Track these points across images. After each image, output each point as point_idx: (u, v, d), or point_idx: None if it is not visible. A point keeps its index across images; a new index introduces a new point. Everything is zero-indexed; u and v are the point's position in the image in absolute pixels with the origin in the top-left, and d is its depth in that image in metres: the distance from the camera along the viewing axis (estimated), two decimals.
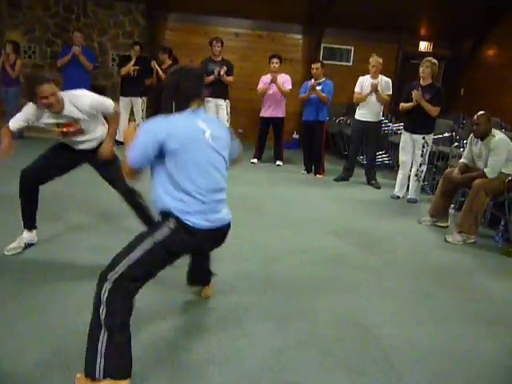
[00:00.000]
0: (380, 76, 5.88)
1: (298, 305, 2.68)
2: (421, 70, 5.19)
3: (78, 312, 2.36)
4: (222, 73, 6.68)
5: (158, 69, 7.06)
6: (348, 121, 7.65)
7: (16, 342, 2.11)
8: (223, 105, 6.96)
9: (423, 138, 5.25)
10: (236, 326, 2.40)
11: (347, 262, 3.44)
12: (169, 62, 7.13)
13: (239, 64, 7.10)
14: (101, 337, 1.77)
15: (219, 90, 6.84)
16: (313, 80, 6.29)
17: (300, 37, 8.69)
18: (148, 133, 1.93)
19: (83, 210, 4.05)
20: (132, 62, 7.11)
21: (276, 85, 6.61)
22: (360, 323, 2.53)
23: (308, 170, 6.59)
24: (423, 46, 8.82)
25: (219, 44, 6.81)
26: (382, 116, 6.16)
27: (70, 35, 7.56)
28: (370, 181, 6.13)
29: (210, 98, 6.90)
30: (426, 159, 5.35)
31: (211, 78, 6.72)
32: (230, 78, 6.83)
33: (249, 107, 8.02)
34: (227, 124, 7.00)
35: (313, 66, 6.34)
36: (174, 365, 2.04)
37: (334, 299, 2.80)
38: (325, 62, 6.86)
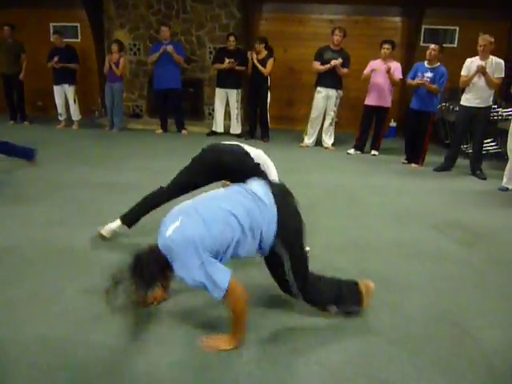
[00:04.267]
0: (491, 57, 5.37)
1: (389, 299, 2.55)
2: None
3: None
4: (337, 64, 6.55)
5: (255, 60, 7.11)
6: (451, 107, 7.14)
7: None
8: (333, 96, 6.84)
9: None
10: (322, 317, 2.34)
11: (446, 257, 3.20)
12: (264, 52, 7.16)
13: None
14: None
15: (332, 80, 6.74)
16: (425, 64, 5.92)
17: (398, 19, 8.28)
18: None
19: None
20: (225, 64, 7.24)
21: (389, 75, 6.32)
22: (458, 323, 2.34)
23: (409, 160, 6.25)
24: None
25: (341, 33, 6.63)
26: (492, 101, 5.63)
27: (171, 31, 7.87)
28: (476, 171, 5.67)
29: (322, 88, 6.82)
30: None
31: (327, 66, 6.63)
32: (344, 70, 6.68)
33: (344, 95, 7.81)
34: (332, 115, 6.89)
35: (430, 46, 5.90)
36: (260, 352, 2.04)
37: (429, 296, 2.62)
38: (426, 44, 6.44)
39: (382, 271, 2.92)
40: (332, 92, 6.82)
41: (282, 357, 2.01)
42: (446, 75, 5.84)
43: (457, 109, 6.27)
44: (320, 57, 6.75)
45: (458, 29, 8.16)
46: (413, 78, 5.98)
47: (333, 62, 6.56)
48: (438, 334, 2.24)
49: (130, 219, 3.11)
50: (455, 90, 6.86)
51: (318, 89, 6.88)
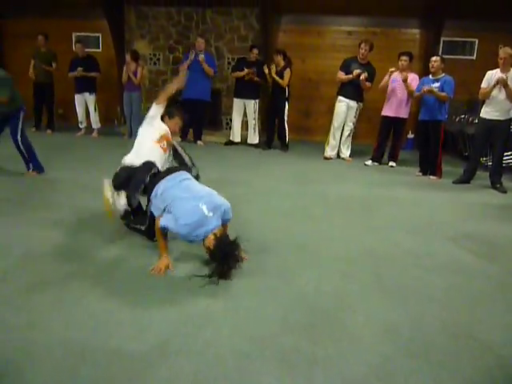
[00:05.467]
0: None
1: (408, 311, 2.54)
2: None
3: None
4: (361, 78, 6.57)
5: (273, 73, 7.17)
6: (470, 119, 7.10)
7: None
8: (354, 107, 6.86)
9: None
10: (342, 328, 2.34)
11: (464, 270, 3.18)
12: (282, 63, 7.22)
13: None
14: None
15: (354, 91, 6.77)
16: (430, 77, 5.95)
17: (417, 31, 8.28)
18: None
19: None
20: (244, 72, 7.32)
21: (405, 85, 6.31)
22: (477, 337, 2.31)
23: (423, 172, 6.23)
24: None
25: (367, 47, 6.64)
26: None
27: (189, 42, 8.02)
28: (495, 184, 5.61)
29: (343, 98, 6.84)
30: None
31: (350, 76, 6.65)
32: (368, 85, 6.68)
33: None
34: (351, 126, 6.90)
35: (432, 59, 5.97)
36: (282, 362, 2.05)
37: (448, 309, 2.60)
38: (445, 56, 6.44)
39: (399, 282, 2.91)
40: (353, 103, 6.83)
41: (302, 368, 2.01)
42: (452, 83, 5.85)
43: (476, 121, 6.23)
44: (346, 67, 6.77)
45: (477, 41, 8.14)
46: (419, 92, 6.01)
47: (355, 72, 6.56)
48: (458, 348, 2.21)
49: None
50: (474, 102, 6.85)
51: (340, 98, 6.88)
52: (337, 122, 6.96)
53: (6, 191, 4.49)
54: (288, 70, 7.19)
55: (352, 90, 6.74)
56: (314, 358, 2.08)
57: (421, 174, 6.23)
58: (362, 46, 6.66)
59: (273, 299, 2.60)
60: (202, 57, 7.33)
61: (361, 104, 6.89)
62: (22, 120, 4.91)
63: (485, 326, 2.44)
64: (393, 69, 6.42)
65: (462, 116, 7.42)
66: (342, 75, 6.78)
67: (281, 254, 3.27)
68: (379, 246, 3.52)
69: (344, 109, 6.87)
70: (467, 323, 2.46)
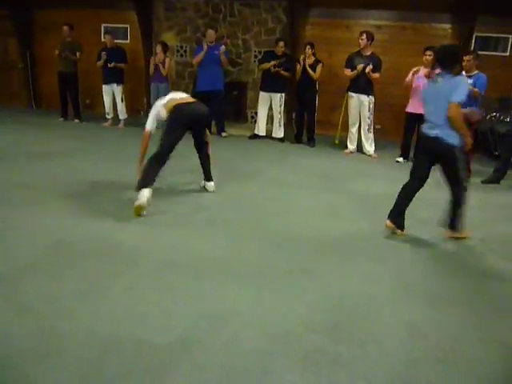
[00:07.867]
0: None
1: (436, 316, 2.50)
2: None
3: None
4: (367, 70, 6.51)
5: (307, 65, 7.10)
6: (501, 117, 6.91)
7: None
8: (365, 101, 6.78)
9: None
10: (367, 330, 2.31)
11: (494, 273, 3.10)
12: (312, 57, 7.17)
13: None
14: None
15: (362, 85, 6.70)
16: (463, 72, 5.78)
17: (449, 26, 8.06)
18: None
19: None
20: (271, 63, 7.28)
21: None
22: (509, 346, 2.25)
23: None
24: None
25: (363, 37, 6.62)
26: None
27: (218, 34, 8.00)
28: None
29: (353, 94, 6.79)
30: None
31: (354, 72, 6.62)
32: (375, 75, 6.61)
33: (389, 102, 7.67)
34: (368, 121, 6.83)
35: (464, 57, 5.81)
36: (305, 361, 2.04)
37: (476, 314, 2.55)
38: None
39: (425, 285, 2.86)
40: (363, 97, 6.77)
41: (326, 368, 2.00)
42: (484, 79, 5.67)
43: (507, 119, 6.07)
44: (350, 63, 6.77)
45: (511, 37, 7.89)
46: None
47: (359, 67, 6.54)
48: (490, 356, 2.16)
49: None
50: (506, 99, 6.66)
51: (350, 94, 6.90)
52: (351, 117, 6.98)
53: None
54: (320, 64, 7.15)
55: (360, 84, 6.69)
56: (338, 359, 2.07)
57: None
58: (359, 36, 6.67)
59: (297, 297, 2.60)
60: (223, 48, 7.37)
61: (371, 97, 6.79)
62: None
63: None
64: (415, 68, 6.28)
65: (493, 114, 7.21)
66: (347, 72, 6.77)
67: (305, 252, 3.26)
68: (406, 247, 3.48)
69: (355, 103, 6.86)
70: (498, 329, 2.40)
